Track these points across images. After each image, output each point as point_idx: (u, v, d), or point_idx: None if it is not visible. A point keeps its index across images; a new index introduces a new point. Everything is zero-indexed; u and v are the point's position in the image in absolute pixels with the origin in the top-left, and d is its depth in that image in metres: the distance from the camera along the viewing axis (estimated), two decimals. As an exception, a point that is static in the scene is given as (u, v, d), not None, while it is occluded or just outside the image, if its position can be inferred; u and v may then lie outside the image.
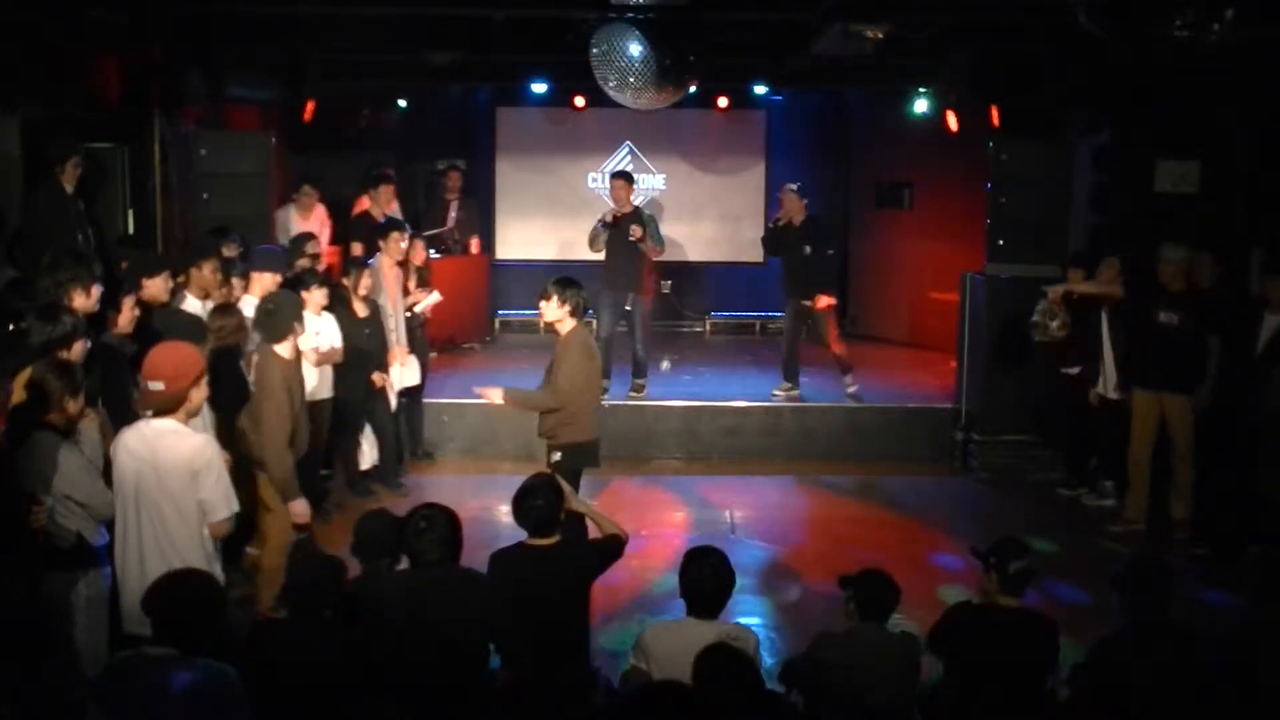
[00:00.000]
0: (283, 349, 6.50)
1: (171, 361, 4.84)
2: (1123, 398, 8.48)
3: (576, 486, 6.51)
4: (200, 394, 4.92)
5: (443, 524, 4.69)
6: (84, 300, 5.95)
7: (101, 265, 6.88)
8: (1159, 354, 8.11)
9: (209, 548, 4.91)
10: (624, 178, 10.39)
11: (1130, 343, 8.39)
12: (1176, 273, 8.07)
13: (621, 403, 10.23)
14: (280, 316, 6.53)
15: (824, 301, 10.31)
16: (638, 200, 14.09)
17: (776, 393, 10.51)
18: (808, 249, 10.26)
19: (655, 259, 10.36)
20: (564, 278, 6.97)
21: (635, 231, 9.92)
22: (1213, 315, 8.03)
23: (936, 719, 4.74)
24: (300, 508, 6.32)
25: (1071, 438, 9.27)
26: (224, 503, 4.88)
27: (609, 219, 10.08)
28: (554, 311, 6.83)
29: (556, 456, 6.81)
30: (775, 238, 10.53)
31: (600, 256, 10.28)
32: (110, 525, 4.96)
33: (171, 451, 4.77)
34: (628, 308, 10.20)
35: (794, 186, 10.45)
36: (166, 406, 4.80)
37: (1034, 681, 4.62)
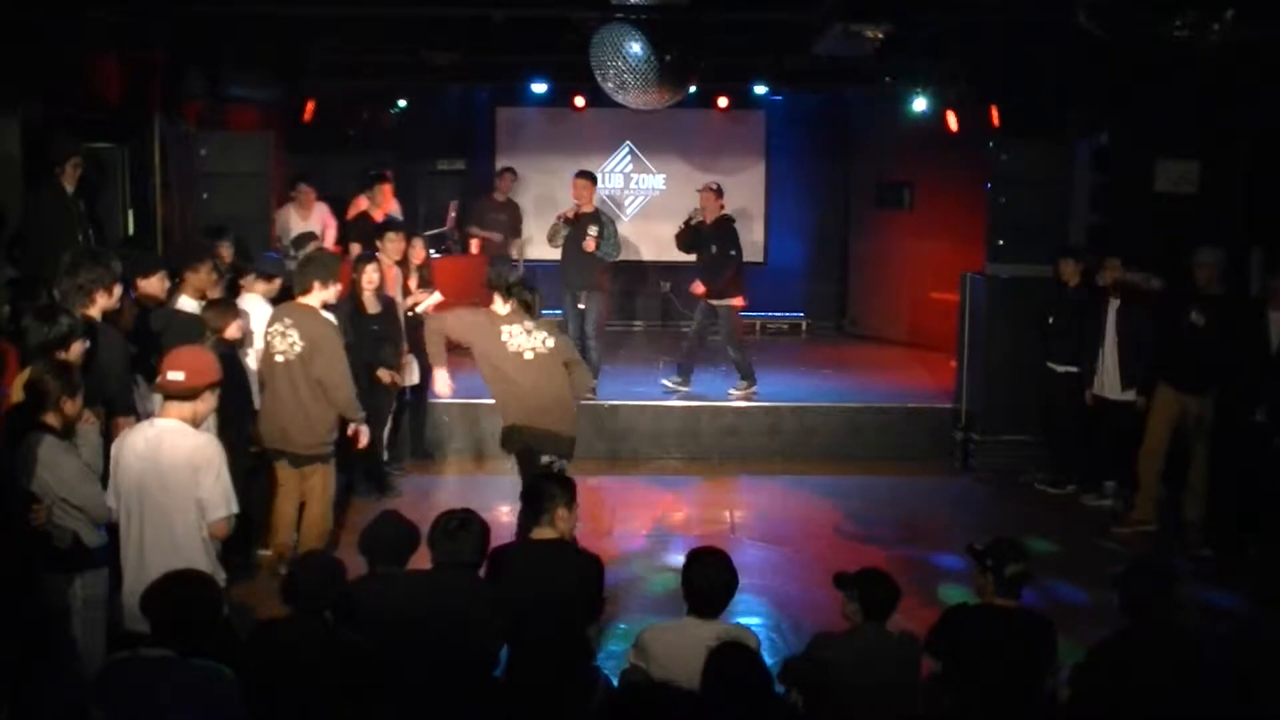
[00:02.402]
0: (310, 299, 6.96)
1: (194, 359, 5.00)
2: (1130, 399, 8.45)
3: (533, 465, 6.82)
4: (209, 403, 5.00)
5: (475, 532, 4.77)
6: (107, 300, 6.00)
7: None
8: (1186, 354, 8.07)
9: (211, 548, 4.90)
10: (586, 177, 10.45)
11: (1161, 342, 8.30)
12: (1211, 276, 8.05)
13: (621, 403, 10.24)
14: (301, 271, 7.13)
15: (737, 300, 10.38)
16: (636, 201, 14.26)
17: (733, 391, 10.47)
18: (714, 249, 10.29)
19: (608, 262, 10.47)
20: (519, 279, 7.28)
21: (589, 245, 10.06)
22: (1232, 317, 8.01)
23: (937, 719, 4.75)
24: (362, 429, 7.06)
25: (1063, 437, 9.23)
26: (223, 502, 4.87)
27: (570, 215, 10.20)
28: (501, 309, 7.04)
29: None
30: (688, 236, 10.52)
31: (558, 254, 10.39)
32: (111, 525, 4.96)
33: (174, 450, 4.79)
34: (580, 305, 10.25)
35: (714, 186, 10.51)
36: (181, 395, 4.88)
37: (1033, 681, 4.62)
